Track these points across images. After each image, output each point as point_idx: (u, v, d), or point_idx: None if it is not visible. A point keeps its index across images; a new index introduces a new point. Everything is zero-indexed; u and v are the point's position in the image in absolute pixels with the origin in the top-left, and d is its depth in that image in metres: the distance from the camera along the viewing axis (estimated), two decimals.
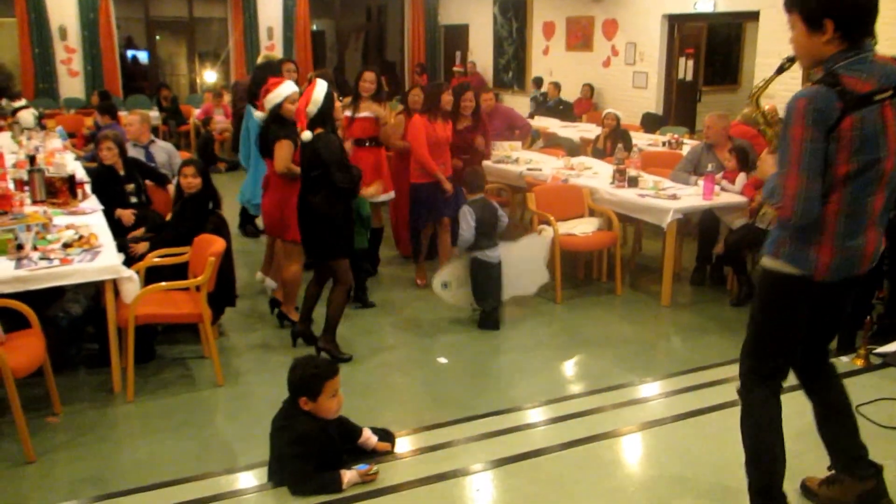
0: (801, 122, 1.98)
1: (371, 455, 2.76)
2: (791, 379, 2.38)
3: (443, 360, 4.17)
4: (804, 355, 2.35)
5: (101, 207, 4.72)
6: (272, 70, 5.31)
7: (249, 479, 2.82)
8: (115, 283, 3.57)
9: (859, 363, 3.58)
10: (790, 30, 2.09)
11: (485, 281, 4.53)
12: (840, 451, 2.39)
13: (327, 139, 3.86)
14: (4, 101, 8.97)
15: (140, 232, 4.57)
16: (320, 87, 3.90)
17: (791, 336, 2.24)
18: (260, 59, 5.97)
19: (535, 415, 3.38)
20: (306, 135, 3.87)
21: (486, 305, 4.55)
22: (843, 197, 2.05)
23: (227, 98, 10.31)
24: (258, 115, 4.75)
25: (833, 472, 2.43)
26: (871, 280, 3.85)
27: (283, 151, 4.26)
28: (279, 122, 4.37)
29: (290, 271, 4.44)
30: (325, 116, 3.90)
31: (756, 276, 4.96)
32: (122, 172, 4.90)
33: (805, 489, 2.51)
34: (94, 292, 4.05)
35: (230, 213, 5.82)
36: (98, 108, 7.89)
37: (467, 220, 4.46)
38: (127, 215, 4.65)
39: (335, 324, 4.08)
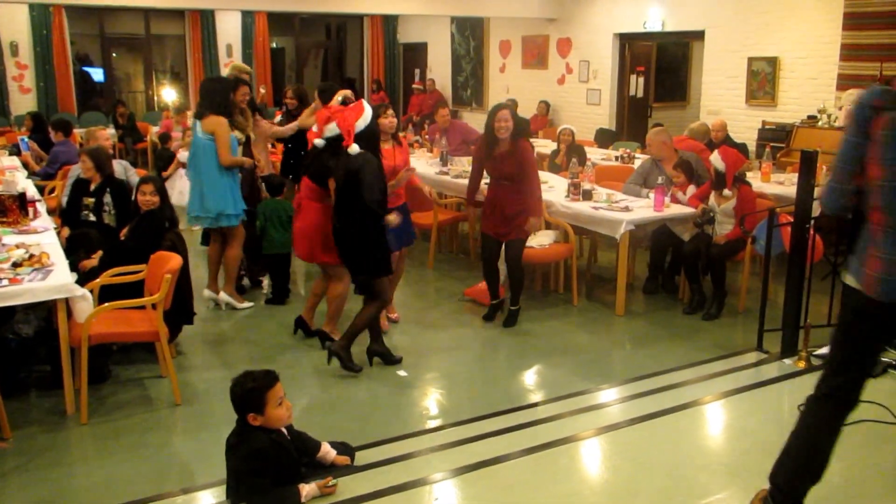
0: None
1: (330, 469, 2.77)
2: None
3: (402, 373, 4.20)
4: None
5: (54, 226, 4.65)
6: (233, 85, 5.18)
7: (208, 499, 2.80)
8: (67, 302, 3.52)
9: (801, 365, 3.74)
10: None
11: None
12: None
13: (369, 158, 3.93)
14: None
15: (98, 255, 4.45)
16: (369, 107, 4.02)
17: (856, 353, 2.24)
18: (229, 71, 5.87)
19: (494, 424, 3.42)
20: (354, 148, 3.94)
21: None
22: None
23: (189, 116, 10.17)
24: (318, 142, 4.24)
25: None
26: None
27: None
28: (336, 154, 4.13)
29: (336, 291, 4.39)
30: (370, 135, 4.01)
31: (707, 285, 5.16)
32: (92, 187, 4.87)
33: None
34: (46, 312, 3.98)
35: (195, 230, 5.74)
36: (53, 124, 7.75)
37: None
38: (88, 264, 4.33)
39: (356, 333, 4.13)
